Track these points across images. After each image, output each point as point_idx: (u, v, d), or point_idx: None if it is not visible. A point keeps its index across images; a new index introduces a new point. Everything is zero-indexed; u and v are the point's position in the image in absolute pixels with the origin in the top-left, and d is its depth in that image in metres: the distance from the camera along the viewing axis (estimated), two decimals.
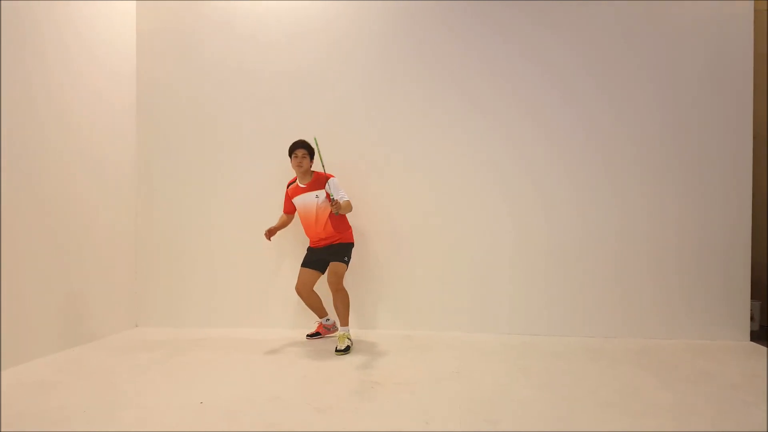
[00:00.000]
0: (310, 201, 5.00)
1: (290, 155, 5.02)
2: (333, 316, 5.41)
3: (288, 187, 5.17)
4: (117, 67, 5.46)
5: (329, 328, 5.34)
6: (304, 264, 5.13)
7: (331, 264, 4.97)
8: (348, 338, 4.80)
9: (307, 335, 5.27)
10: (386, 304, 5.58)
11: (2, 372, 4.02)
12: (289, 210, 5.21)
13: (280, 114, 5.63)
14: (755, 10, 5.34)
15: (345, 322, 4.89)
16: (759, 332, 5.53)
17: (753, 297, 5.33)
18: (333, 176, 4.95)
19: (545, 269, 5.43)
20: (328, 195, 4.86)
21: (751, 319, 5.33)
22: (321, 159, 4.91)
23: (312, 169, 5.10)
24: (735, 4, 5.23)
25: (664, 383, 3.90)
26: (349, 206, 4.91)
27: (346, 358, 4.54)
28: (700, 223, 5.26)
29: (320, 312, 5.27)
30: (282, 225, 5.22)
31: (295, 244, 5.56)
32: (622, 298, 5.33)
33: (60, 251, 4.68)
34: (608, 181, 5.36)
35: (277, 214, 5.38)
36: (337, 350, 4.68)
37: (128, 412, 3.27)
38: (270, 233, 5.01)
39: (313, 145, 4.96)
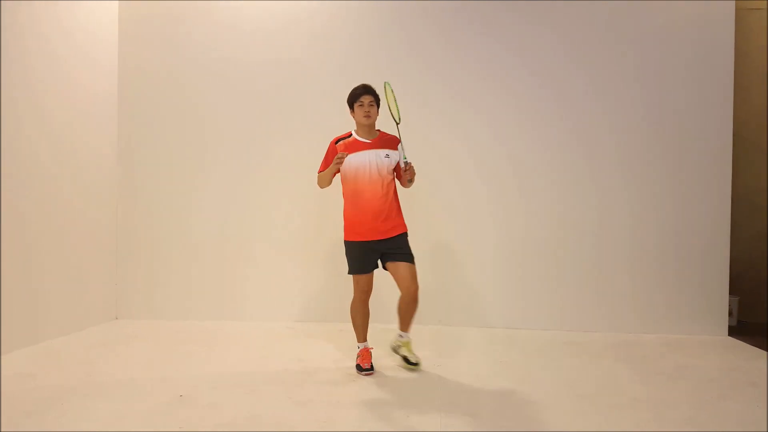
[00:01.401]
0: (378, 162, 3.87)
1: (352, 104, 3.94)
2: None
3: (337, 142, 3.99)
4: (98, 56, 5.39)
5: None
6: (362, 268, 3.96)
7: (404, 266, 3.88)
8: None
9: (364, 369, 3.92)
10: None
11: None
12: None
13: (263, 105, 5.59)
14: (742, 9, 5.39)
15: (408, 328, 4.09)
16: (737, 327, 5.59)
17: (731, 292, 5.39)
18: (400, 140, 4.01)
19: (525, 264, 5.45)
20: (398, 165, 3.95)
21: (729, 314, 5.39)
22: (395, 111, 3.97)
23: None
24: (717, 5, 5.26)
25: (642, 377, 3.94)
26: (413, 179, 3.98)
27: (326, 350, 4.53)
28: (680, 219, 5.31)
29: (365, 332, 4.13)
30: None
31: (275, 236, 5.53)
32: (601, 292, 5.37)
33: (40, 243, 4.62)
34: (589, 176, 5.39)
35: (260, 206, 5.35)
36: (412, 363, 3.99)
37: (107, 404, 3.25)
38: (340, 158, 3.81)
39: (383, 95, 4.01)
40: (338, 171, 3.94)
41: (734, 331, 5.38)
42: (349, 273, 4.01)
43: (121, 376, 3.78)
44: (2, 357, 4.15)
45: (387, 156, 3.90)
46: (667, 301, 5.32)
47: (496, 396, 3.48)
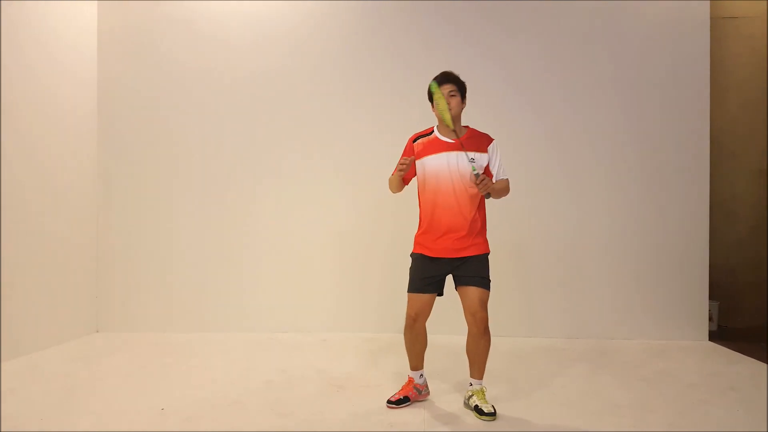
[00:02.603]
0: (460, 165, 3.30)
1: (432, 97, 3.35)
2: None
3: (416, 140, 3.45)
4: (77, 69, 5.34)
5: (421, 390, 3.55)
6: (421, 287, 3.40)
7: (473, 290, 3.34)
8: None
9: (390, 402, 3.45)
10: (350, 305, 5.56)
11: None
12: (408, 175, 3.46)
13: (245, 116, 5.57)
14: (717, 18, 5.47)
15: (482, 374, 3.45)
16: (717, 332, 5.65)
17: (711, 297, 5.45)
18: (494, 139, 3.47)
19: (504, 271, 5.41)
20: (488, 168, 3.39)
21: (710, 319, 5.44)
22: (444, 111, 3.31)
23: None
24: (693, 13, 5.34)
25: (623, 383, 3.96)
26: (504, 190, 3.47)
27: (309, 361, 4.50)
28: (659, 225, 5.36)
29: (420, 361, 3.56)
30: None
31: (255, 247, 5.51)
32: (582, 298, 5.40)
33: (19, 255, 4.56)
34: (567, 183, 5.43)
35: (238, 218, 5.34)
36: (487, 414, 3.23)
37: (87, 418, 3.21)
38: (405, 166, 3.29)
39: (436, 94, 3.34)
40: (403, 179, 3.41)
41: (715, 336, 5.43)
42: (408, 290, 3.49)
43: (103, 390, 3.73)
44: None
45: (472, 159, 3.24)
46: (647, 307, 5.36)
47: None
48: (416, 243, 3.48)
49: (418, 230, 3.48)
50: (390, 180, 3.50)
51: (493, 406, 3.29)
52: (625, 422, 3.20)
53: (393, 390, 3.69)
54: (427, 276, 3.39)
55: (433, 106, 3.37)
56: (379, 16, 5.54)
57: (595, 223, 5.40)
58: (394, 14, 5.52)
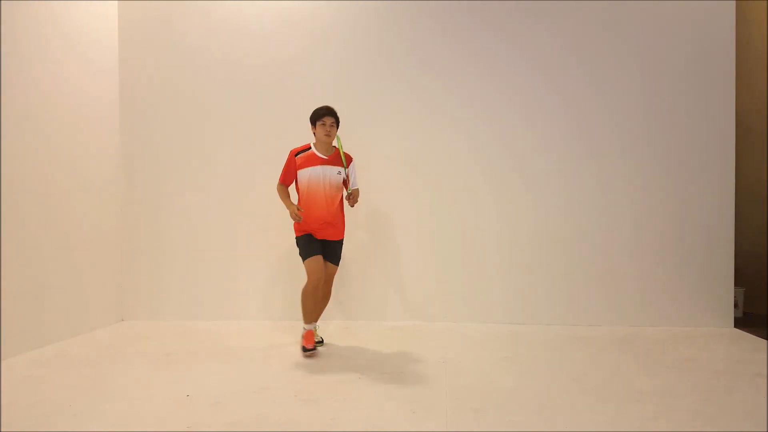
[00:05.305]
0: (330, 176, 4.41)
1: (315, 122, 4.40)
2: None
3: (297, 154, 4.45)
4: (99, 59, 5.40)
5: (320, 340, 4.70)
6: (314, 251, 4.39)
7: (332, 267, 4.54)
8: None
9: (308, 349, 4.30)
10: (373, 295, 5.59)
11: None
12: (290, 181, 4.51)
13: (266, 105, 5.59)
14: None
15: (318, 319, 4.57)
16: (743, 319, 5.59)
17: (736, 284, 5.38)
18: (352, 159, 4.58)
19: (530, 259, 5.45)
20: (346, 181, 4.48)
21: (735, 305, 5.38)
22: (341, 154, 4.49)
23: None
24: None
25: (648, 370, 3.94)
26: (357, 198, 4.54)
27: (332, 348, 4.54)
28: (685, 211, 5.30)
29: (317, 315, 4.56)
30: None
31: (279, 235, 5.54)
32: (607, 286, 5.37)
33: (45, 246, 4.64)
34: (591, 170, 5.39)
35: (261, 207, 5.36)
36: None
37: (114, 405, 3.26)
38: (297, 211, 4.31)
39: (337, 142, 4.49)
40: (286, 184, 4.50)
41: (740, 323, 5.37)
42: (303, 258, 4.37)
43: (129, 377, 3.79)
44: (9, 361, 4.16)
45: (339, 173, 4.44)
46: (672, 294, 5.31)
47: (501, 391, 3.48)
48: (298, 230, 4.49)
49: (296, 223, 4.45)
50: (280, 195, 4.49)
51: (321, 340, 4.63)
52: (649, 409, 3.18)
53: (415, 376, 3.75)
54: (317, 245, 4.43)
55: (313, 128, 4.45)
56: (398, 5, 5.50)
57: (620, 209, 5.36)
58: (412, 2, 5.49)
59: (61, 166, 4.86)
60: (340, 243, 4.58)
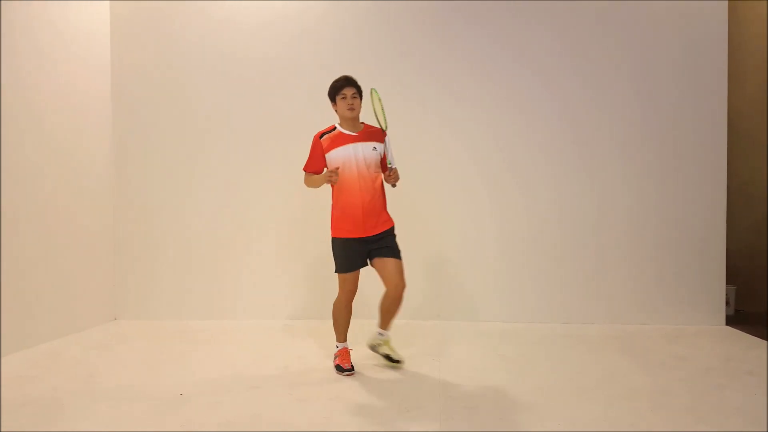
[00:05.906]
0: (364, 154, 3.74)
1: (334, 97, 3.80)
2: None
3: (321, 136, 3.84)
4: (91, 55, 5.36)
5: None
6: (350, 266, 3.80)
7: (392, 262, 3.76)
8: None
9: (346, 370, 3.80)
10: (366, 294, 5.57)
11: None
12: (318, 167, 3.86)
13: (259, 102, 5.57)
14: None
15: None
16: (734, 316, 5.61)
17: (728, 282, 5.41)
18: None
19: (522, 258, 5.46)
20: (384, 158, 3.82)
21: (727, 303, 5.41)
22: (382, 119, 3.85)
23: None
24: None
25: (641, 368, 3.95)
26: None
27: (326, 347, 4.52)
28: (676, 210, 5.32)
29: (346, 332, 3.99)
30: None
31: (271, 234, 5.53)
32: (600, 284, 5.39)
33: (37, 245, 4.61)
34: (584, 169, 5.39)
35: (253, 206, 5.35)
36: (395, 360, 3.92)
37: (107, 404, 3.25)
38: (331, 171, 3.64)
39: (368, 101, 3.84)
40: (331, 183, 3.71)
41: (732, 321, 5.39)
42: (336, 272, 3.85)
43: (122, 377, 3.78)
44: (2, 359, 4.15)
45: (374, 149, 3.78)
46: (664, 292, 5.33)
47: (495, 389, 3.49)
48: (335, 228, 3.84)
49: (334, 216, 3.85)
50: (310, 179, 3.89)
51: (399, 354, 3.92)
52: (644, 407, 3.19)
53: (409, 374, 3.78)
54: (353, 255, 3.79)
55: (334, 105, 3.83)
56: (391, 3, 5.50)
57: (612, 208, 5.37)
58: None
59: (52, 165, 4.83)
60: (391, 232, 3.86)
